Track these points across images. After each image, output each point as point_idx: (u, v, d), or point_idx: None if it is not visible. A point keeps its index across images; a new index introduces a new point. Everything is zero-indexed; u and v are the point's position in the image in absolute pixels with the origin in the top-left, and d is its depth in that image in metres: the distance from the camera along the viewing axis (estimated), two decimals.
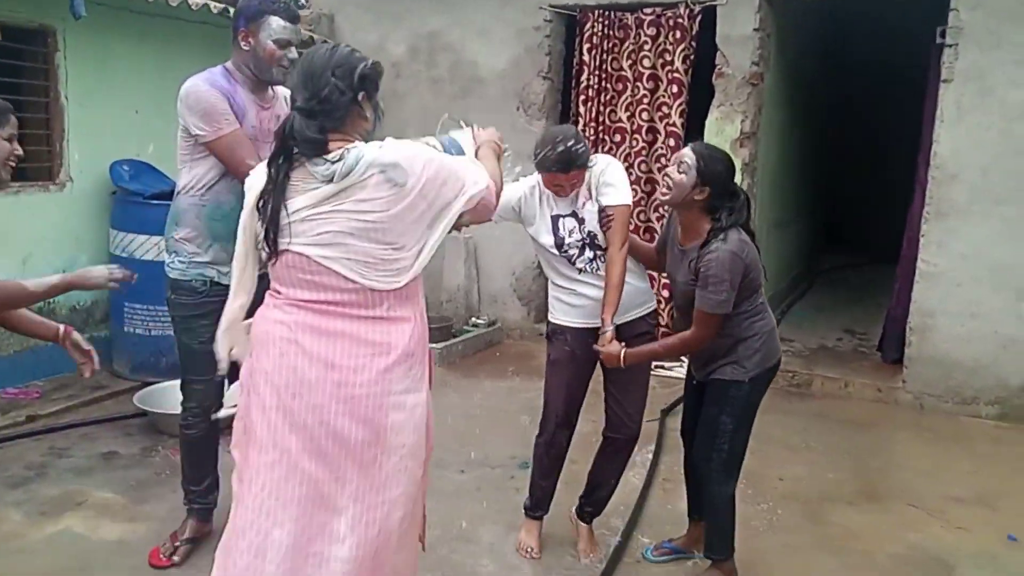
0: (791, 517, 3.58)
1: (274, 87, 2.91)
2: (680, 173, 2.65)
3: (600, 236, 2.84)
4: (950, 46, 4.76)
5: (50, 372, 4.71)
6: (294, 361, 1.91)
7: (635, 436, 3.04)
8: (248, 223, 1.99)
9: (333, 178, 1.84)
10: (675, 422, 4.54)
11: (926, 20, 5.04)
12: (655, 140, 5.60)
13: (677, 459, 4.08)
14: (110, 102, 4.92)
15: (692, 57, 5.43)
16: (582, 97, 5.73)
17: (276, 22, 2.73)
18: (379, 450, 1.94)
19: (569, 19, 5.87)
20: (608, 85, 5.67)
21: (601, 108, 5.70)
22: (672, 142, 5.50)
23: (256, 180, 1.98)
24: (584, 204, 2.87)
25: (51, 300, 4.68)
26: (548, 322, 3.05)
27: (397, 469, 1.97)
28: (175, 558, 3.00)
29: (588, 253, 2.87)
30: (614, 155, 5.67)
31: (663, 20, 5.44)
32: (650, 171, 5.60)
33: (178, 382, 3.30)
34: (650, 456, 4.07)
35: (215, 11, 5.04)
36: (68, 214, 4.77)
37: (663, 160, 5.56)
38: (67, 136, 4.71)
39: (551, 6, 5.77)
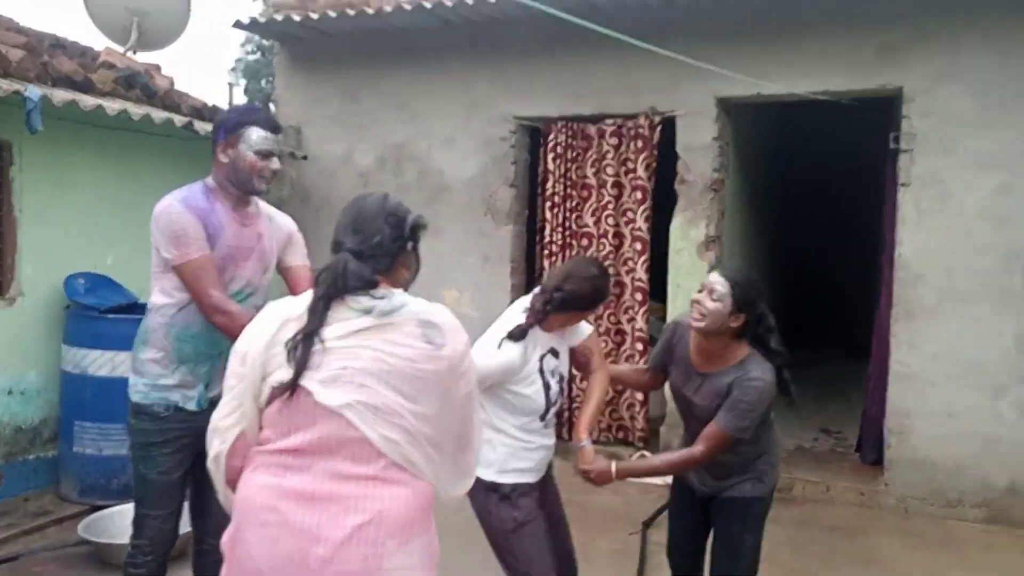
0: None
1: (258, 204, 2.82)
2: (715, 301, 2.54)
3: (564, 376, 2.70)
4: (905, 151, 4.89)
5: None
6: (276, 533, 1.71)
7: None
8: (258, 356, 1.79)
9: (372, 311, 1.78)
10: (659, 534, 4.37)
11: (880, 122, 5.22)
12: (621, 244, 5.62)
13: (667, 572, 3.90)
14: (67, 215, 4.81)
15: (654, 164, 5.52)
16: (548, 203, 5.77)
17: (256, 132, 2.65)
18: None
19: (533, 129, 5.97)
20: (573, 192, 5.73)
21: (568, 214, 5.73)
22: (639, 246, 5.52)
23: (280, 310, 1.84)
24: (563, 337, 2.69)
25: None
26: (498, 484, 2.58)
27: None
28: None
29: (559, 401, 2.67)
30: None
31: (624, 130, 5.55)
32: (618, 274, 5.59)
33: (128, 506, 3.15)
34: (633, 574, 3.85)
35: (178, 124, 5.03)
36: (18, 329, 4.57)
37: (630, 263, 5.57)
38: (19, 250, 4.57)
39: (516, 117, 5.88)
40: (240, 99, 16.80)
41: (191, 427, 2.62)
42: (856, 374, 8.35)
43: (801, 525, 4.65)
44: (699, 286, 2.63)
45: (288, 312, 1.82)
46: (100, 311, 4.48)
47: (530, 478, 2.63)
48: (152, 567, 2.72)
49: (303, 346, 1.74)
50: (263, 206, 2.87)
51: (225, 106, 6.55)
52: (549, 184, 5.76)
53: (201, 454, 2.01)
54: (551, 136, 5.74)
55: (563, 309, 2.57)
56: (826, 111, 5.56)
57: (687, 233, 5.42)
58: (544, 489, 2.71)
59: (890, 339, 5.00)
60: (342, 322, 1.77)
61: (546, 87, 5.76)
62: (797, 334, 9.63)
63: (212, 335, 2.65)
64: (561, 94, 5.72)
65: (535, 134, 5.99)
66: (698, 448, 2.59)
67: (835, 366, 8.93)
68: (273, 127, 2.70)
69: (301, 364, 1.73)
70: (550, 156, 5.75)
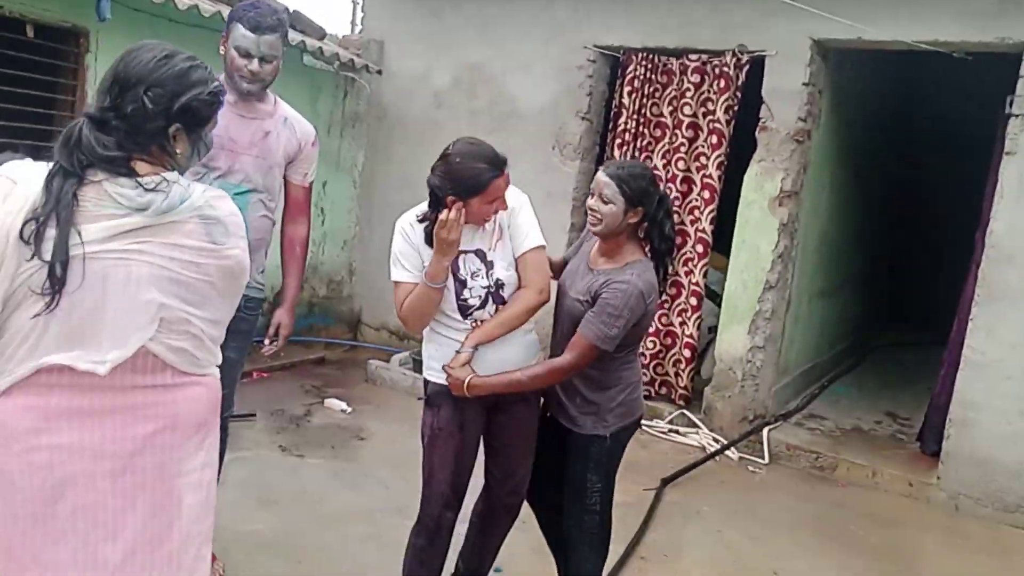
0: None
1: (277, 103, 2.85)
2: (607, 204, 2.41)
3: (508, 286, 2.48)
4: (1016, 116, 4.35)
5: None
6: (48, 458, 1.52)
7: (517, 505, 2.69)
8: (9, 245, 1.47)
9: (147, 209, 1.52)
10: (677, 494, 4.22)
11: (1000, 87, 4.65)
12: (690, 190, 5.31)
13: (666, 536, 3.76)
14: None
15: (735, 108, 5.14)
16: (618, 140, 5.49)
17: (237, 29, 2.63)
18: (173, 545, 1.63)
19: (613, 60, 5.67)
20: (646, 130, 5.42)
21: (637, 153, 5.44)
22: (707, 194, 5.20)
23: (14, 185, 1.49)
24: (496, 243, 2.48)
25: None
26: (425, 382, 2.59)
27: (196, 558, 1.68)
28: None
29: (490, 306, 2.47)
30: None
31: (708, 68, 5.17)
32: (682, 223, 5.30)
33: None
34: (634, 529, 3.71)
35: None
36: None
37: (696, 212, 5.27)
38: None
39: (596, 46, 5.58)
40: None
41: None
42: (933, 359, 7.76)
43: (835, 506, 4.37)
44: (590, 192, 2.50)
45: (29, 185, 1.49)
46: None
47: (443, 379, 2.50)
48: None
49: (56, 246, 1.45)
50: (284, 108, 2.86)
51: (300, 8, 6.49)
52: (622, 120, 5.47)
53: None
54: (630, 68, 5.42)
55: (441, 195, 2.33)
56: (940, 65, 5.02)
57: (761, 185, 5.05)
58: (494, 411, 2.56)
59: (969, 323, 4.56)
60: (108, 220, 1.50)
61: (631, 14, 5.42)
62: (898, 312, 9.08)
63: None
64: (646, 23, 5.37)
65: (614, 65, 5.69)
66: (564, 358, 2.43)
67: (920, 352, 8.30)
68: (254, 26, 2.61)
69: (61, 277, 1.46)
70: (626, 89, 5.44)
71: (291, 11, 5.96)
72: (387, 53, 6.51)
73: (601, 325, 2.37)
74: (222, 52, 2.68)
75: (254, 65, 2.64)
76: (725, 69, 5.09)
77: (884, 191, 7.87)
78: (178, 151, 1.61)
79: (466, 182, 2.30)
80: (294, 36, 5.34)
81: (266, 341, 2.97)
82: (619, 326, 2.37)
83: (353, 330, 6.79)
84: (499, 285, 2.47)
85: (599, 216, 2.44)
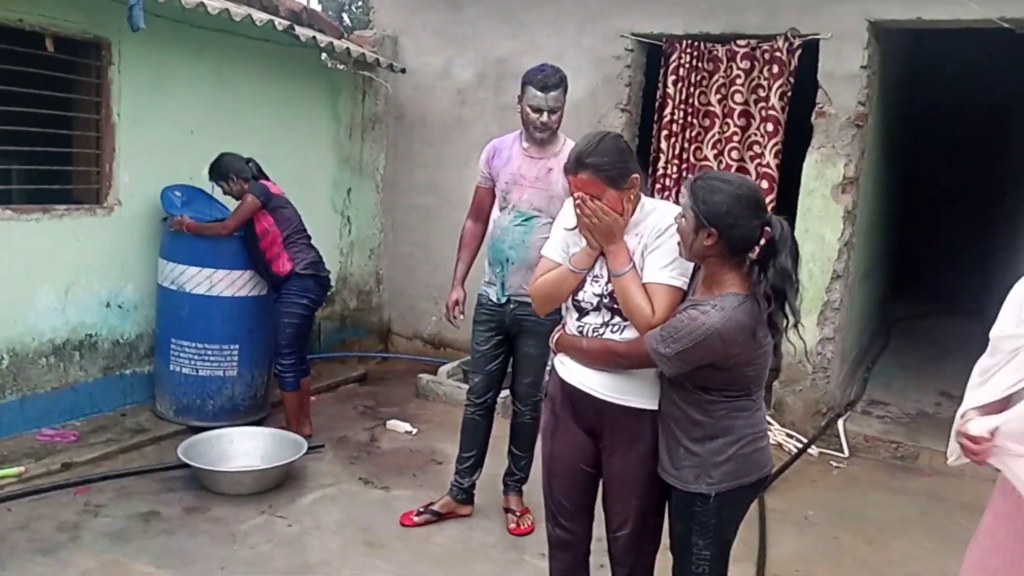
0: None
1: (564, 143, 3.39)
2: (682, 217, 2.14)
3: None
4: None
5: (89, 411, 4.35)
6: None
7: (620, 553, 2.47)
8: None
9: None
10: (775, 499, 4.08)
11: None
12: None
13: (788, 549, 3.61)
14: (164, 122, 4.57)
15: (789, 93, 4.99)
16: (664, 132, 5.30)
17: (529, 90, 3.32)
18: None
19: (651, 49, 5.47)
20: (694, 120, 5.25)
21: (686, 145, 5.27)
22: (765, 184, 5.04)
23: None
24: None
25: (93, 332, 4.33)
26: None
27: None
28: (415, 518, 3.59)
29: (600, 317, 2.34)
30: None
31: (758, 53, 5.01)
32: None
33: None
34: (750, 543, 3.56)
35: (279, 27, 4.70)
36: (115, 240, 4.41)
37: None
38: (117, 156, 4.36)
39: (633, 34, 5.38)
40: (314, 5, 16.35)
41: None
42: (971, 335, 7.80)
43: (932, 499, 4.30)
44: None
45: None
46: None
47: (558, 368, 2.44)
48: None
49: None
50: (568, 147, 3.25)
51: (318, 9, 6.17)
52: (667, 110, 5.28)
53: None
54: (673, 56, 5.23)
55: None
56: (963, 43, 4.97)
57: (822, 172, 4.92)
58: (601, 440, 2.38)
59: None
60: None
61: (670, 1, 5.23)
62: (907, 287, 9.14)
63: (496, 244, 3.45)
64: (687, 9, 5.18)
65: (653, 54, 5.49)
66: (621, 344, 2.29)
67: (948, 323, 8.35)
68: (543, 87, 3.28)
69: None
70: (671, 79, 5.25)
71: (308, 9, 5.64)
72: (402, 49, 6.21)
73: (657, 337, 2.13)
74: (518, 109, 3.40)
75: (544, 117, 3.31)
76: (777, 54, 4.93)
77: (906, 170, 7.87)
78: None
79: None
80: (308, 33, 5.02)
81: None
82: (674, 351, 2.08)
83: (384, 341, 6.52)
84: (613, 299, 2.31)
85: (679, 231, 2.17)
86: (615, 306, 2.31)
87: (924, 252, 9.60)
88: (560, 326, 2.48)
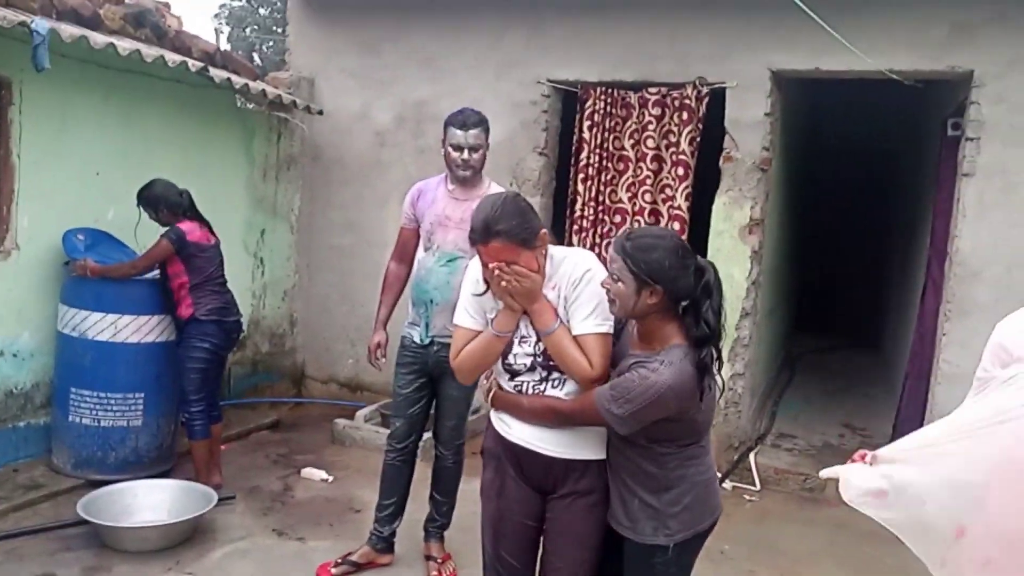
0: None
1: (489, 186, 3.48)
2: (617, 282, 2.11)
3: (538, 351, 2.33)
4: (972, 139, 4.59)
5: None
6: None
7: None
8: None
9: None
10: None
11: (909, 106, 4.92)
12: (658, 223, 5.28)
13: None
14: (68, 163, 4.40)
15: (699, 139, 5.18)
16: (581, 175, 5.42)
17: (450, 130, 3.41)
18: None
19: (567, 95, 5.61)
20: (609, 164, 5.38)
21: (601, 188, 5.40)
22: (677, 226, 5.20)
23: None
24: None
25: None
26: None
27: None
28: (332, 570, 3.49)
29: (536, 375, 2.31)
30: (613, 237, 5.35)
31: (669, 100, 5.19)
32: None
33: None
34: None
35: (193, 69, 4.62)
36: (12, 285, 4.19)
37: None
38: (16, 199, 4.17)
39: (550, 81, 5.51)
40: (224, 45, 16.24)
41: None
42: (869, 367, 8.21)
43: (839, 529, 4.42)
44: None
45: None
46: None
47: (500, 428, 2.37)
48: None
49: None
50: (492, 189, 3.39)
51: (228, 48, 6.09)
52: (583, 154, 5.41)
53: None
54: (588, 102, 5.37)
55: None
56: (855, 92, 5.28)
57: (730, 215, 5.11)
58: (552, 497, 2.33)
59: (940, 337, 4.76)
60: None
61: (585, 49, 5.39)
62: (808, 323, 9.51)
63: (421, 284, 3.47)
64: (601, 58, 5.34)
65: (568, 100, 5.63)
66: (566, 402, 2.24)
67: (844, 356, 8.72)
68: (461, 125, 3.38)
69: None
70: (586, 124, 5.38)
71: (222, 51, 5.57)
72: (319, 91, 6.19)
73: (609, 398, 2.10)
74: (442, 152, 3.46)
75: (465, 155, 3.38)
76: (687, 101, 5.12)
77: (807, 211, 8.24)
78: None
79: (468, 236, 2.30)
80: (223, 75, 4.95)
81: (482, 380, 3.19)
82: (627, 411, 2.07)
83: (298, 385, 6.37)
84: (547, 356, 2.27)
85: (611, 296, 2.15)
86: (551, 363, 2.28)
87: (824, 289, 10.03)
88: (489, 379, 2.43)
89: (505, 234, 2.17)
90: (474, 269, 2.38)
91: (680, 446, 2.18)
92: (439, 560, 3.59)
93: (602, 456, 2.29)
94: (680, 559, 2.22)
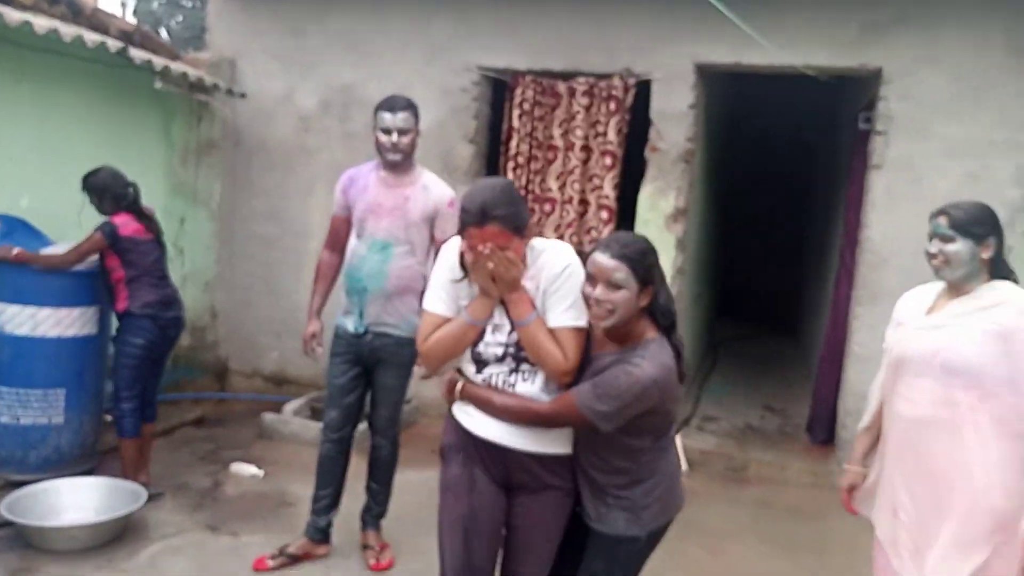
0: None
1: (421, 174, 3.49)
2: (619, 290, 2.09)
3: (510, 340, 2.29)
4: (880, 134, 4.84)
5: None
6: None
7: None
8: None
9: None
10: None
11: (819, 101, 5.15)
12: (586, 211, 5.39)
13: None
14: None
15: (626, 130, 5.29)
16: (511, 164, 5.46)
17: (379, 114, 3.38)
18: None
19: (496, 82, 5.62)
20: (539, 153, 5.44)
21: (532, 176, 5.45)
22: (604, 215, 5.31)
23: None
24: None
25: None
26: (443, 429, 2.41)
27: None
28: (269, 562, 3.46)
29: (505, 366, 2.27)
30: (542, 226, 5.43)
31: (596, 91, 5.28)
32: (580, 244, 5.37)
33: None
34: None
35: (112, 49, 4.42)
36: None
37: (594, 232, 5.36)
38: None
39: (479, 67, 5.51)
40: (131, 19, 15.50)
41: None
42: (787, 352, 8.58)
43: (761, 507, 4.64)
44: (587, 277, 2.16)
45: None
46: None
47: (465, 421, 2.28)
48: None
49: None
50: (425, 177, 3.49)
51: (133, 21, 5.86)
52: (513, 143, 5.45)
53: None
54: (518, 91, 5.41)
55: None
56: (776, 86, 5.48)
57: (656, 204, 5.24)
58: (518, 493, 2.30)
59: (851, 321, 5.02)
60: None
61: (515, 36, 5.41)
62: (730, 309, 9.86)
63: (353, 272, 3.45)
64: (531, 46, 5.38)
65: (498, 87, 5.65)
66: (544, 405, 2.20)
67: (763, 342, 9.08)
68: (389, 108, 3.36)
69: None
70: (516, 113, 5.42)
71: (141, 31, 5.36)
72: (241, 73, 6.01)
73: (593, 397, 2.11)
74: (374, 137, 3.40)
75: (395, 138, 3.34)
76: (614, 92, 5.22)
77: (729, 201, 8.51)
78: None
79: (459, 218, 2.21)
80: (143, 56, 4.76)
81: (416, 368, 3.50)
82: (613, 407, 2.09)
83: (221, 380, 6.20)
84: (519, 348, 2.24)
85: (610, 307, 2.10)
86: (522, 354, 2.25)
87: (744, 276, 10.40)
88: (452, 372, 2.36)
89: (502, 219, 2.15)
90: (450, 254, 2.33)
91: (654, 439, 2.22)
92: (377, 548, 3.59)
93: (570, 451, 2.29)
94: (646, 548, 2.28)
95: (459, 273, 2.29)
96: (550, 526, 2.32)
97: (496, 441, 2.26)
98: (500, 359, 2.27)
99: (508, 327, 2.26)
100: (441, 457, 2.38)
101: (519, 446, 2.25)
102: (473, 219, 2.15)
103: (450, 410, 2.37)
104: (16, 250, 3.85)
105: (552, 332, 2.21)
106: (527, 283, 2.25)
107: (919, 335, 2.41)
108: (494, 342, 2.27)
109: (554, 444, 2.27)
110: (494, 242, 2.15)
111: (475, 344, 2.28)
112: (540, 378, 2.25)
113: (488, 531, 2.28)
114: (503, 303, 2.26)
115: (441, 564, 2.31)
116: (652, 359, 2.10)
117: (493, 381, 2.27)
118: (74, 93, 4.64)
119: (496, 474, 2.29)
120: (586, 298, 2.16)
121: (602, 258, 2.11)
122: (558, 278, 2.23)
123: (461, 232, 2.21)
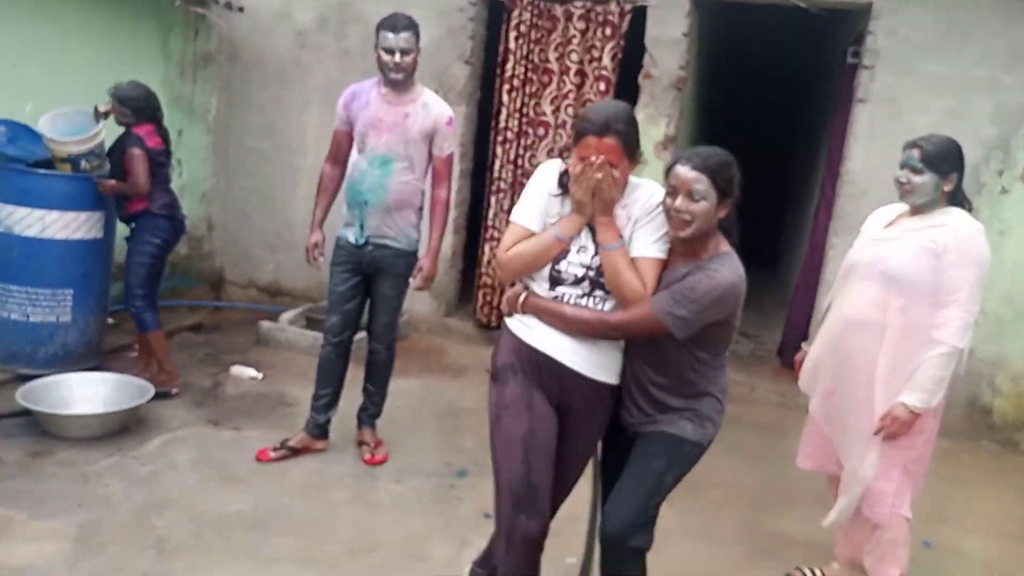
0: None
1: (421, 92, 3.59)
2: (699, 201, 2.15)
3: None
4: (866, 68, 4.97)
5: None
6: None
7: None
8: None
9: None
10: None
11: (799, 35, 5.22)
12: None
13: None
14: None
15: (620, 55, 5.37)
16: (507, 86, 5.55)
17: (381, 34, 3.46)
18: None
19: (493, 4, 5.66)
20: (534, 76, 5.53)
21: (526, 99, 5.55)
22: None
23: None
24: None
25: None
26: (493, 356, 2.42)
27: None
28: (271, 454, 3.71)
29: (580, 289, 2.29)
30: (536, 149, 5.56)
31: (593, 15, 5.35)
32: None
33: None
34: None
35: None
36: None
37: None
38: None
39: None
40: None
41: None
42: (768, 282, 8.78)
43: (732, 423, 4.71)
44: (667, 190, 2.21)
45: None
46: (28, 164, 4.03)
47: (523, 334, 2.32)
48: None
49: None
50: (426, 95, 3.61)
51: None
52: (509, 65, 5.53)
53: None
54: (515, 13, 5.46)
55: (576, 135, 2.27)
56: (769, 17, 5.54)
57: (647, 131, 5.34)
58: (565, 413, 2.36)
59: (827, 250, 5.23)
60: None
61: None
62: None
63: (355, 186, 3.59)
64: None
65: (495, 9, 5.69)
66: (616, 315, 2.23)
67: (747, 274, 9.26)
68: (392, 27, 3.43)
69: None
70: (512, 35, 5.49)
71: None
72: None
73: (671, 303, 2.16)
74: (375, 55, 3.49)
75: (397, 58, 3.42)
76: (610, 17, 5.29)
77: (717, 132, 8.58)
78: None
79: (575, 130, 2.25)
80: None
81: (411, 280, 3.69)
82: (692, 311, 2.15)
83: (216, 289, 6.39)
84: (599, 272, 2.27)
85: (688, 217, 2.15)
86: (601, 280, 2.27)
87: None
88: (518, 285, 2.37)
89: (622, 135, 2.18)
90: (550, 170, 2.35)
91: (715, 353, 2.32)
92: (372, 445, 3.84)
93: (616, 382, 2.36)
94: (697, 456, 2.37)
95: (558, 189, 2.31)
96: (586, 449, 2.45)
97: (554, 356, 2.30)
98: (578, 280, 2.29)
99: (593, 250, 2.28)
100: (494, 378, 2.39)
101: (574, 366, 2.30)
102: (595, 128, 2.17)
103: (506, 330, 2.39)
104: (111, 183, 4.03)
105: (634, 261, 2.26)
106: (619, 211, 2.27)
107: (872, 245, 2.81)
108: (577, 262, 2.29)
109: (608, 373, 2.34)
110: (609, 156, 2.17)
111: (556, 261, 2.30)
112: (609, 306, 2.29)
113: (547, 449, 2.31)
114: (591, 227, 2.28)
115: (497, 482, 2.33)
116: (730, 267, 2.20)
117: (565, 301, 2.30)
118: (74, 2, 4.67)
119: (551, 394, 2.33)
120: (666, 210, 2.21)
121: (683, 169, 2.17)
122: (652, 211, 2.28)
123: (577, 141, 2.22)
